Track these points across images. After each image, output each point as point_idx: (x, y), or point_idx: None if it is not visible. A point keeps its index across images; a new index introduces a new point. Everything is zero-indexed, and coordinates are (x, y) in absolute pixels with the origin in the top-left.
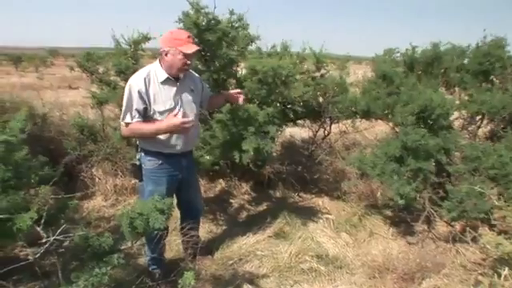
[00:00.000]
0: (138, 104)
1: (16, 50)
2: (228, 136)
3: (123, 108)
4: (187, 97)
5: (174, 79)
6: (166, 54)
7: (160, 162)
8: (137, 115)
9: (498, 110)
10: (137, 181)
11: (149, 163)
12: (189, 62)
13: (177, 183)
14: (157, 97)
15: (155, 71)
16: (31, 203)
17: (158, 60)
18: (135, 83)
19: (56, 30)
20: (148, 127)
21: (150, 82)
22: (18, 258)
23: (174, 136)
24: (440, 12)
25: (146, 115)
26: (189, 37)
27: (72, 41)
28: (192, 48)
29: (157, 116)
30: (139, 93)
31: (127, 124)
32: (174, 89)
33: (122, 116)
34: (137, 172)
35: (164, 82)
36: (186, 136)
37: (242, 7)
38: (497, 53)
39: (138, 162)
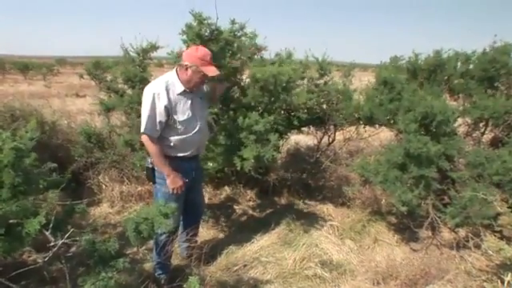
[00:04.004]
0: (161, 117)
1: (24, 59)
2: (231, 143)
3: (145, 118)
4: (199, 105)
5: (188, 91)
6: (187, 69)
7: (173, 165)
8: (159, 130)
9: (500, 115)
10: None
11: None
12: (205, 81)
13: (188, 184)
14: (177, 107)
15: (173, 82)
16: (40, 208)
17: (174, 70)
18: (160, 97)
19: (64, 39)
20: (159, 158)
21: (170, 94)
22: (25, 263)
23: (189, 142)
24: (449, 17)
25: (166, 124)
26: (211, 58)
27: (79, 50)
28: (214, 72)
29: (177, 125)
30: (165, 107)
31: (148, 136)
32: (190, 100)
33: (143, 126)
34: (149, 175)
35: (181, 94)
36: (199, 141)
37: (245, 17)
38: (502, 59)
39: (150, 165)
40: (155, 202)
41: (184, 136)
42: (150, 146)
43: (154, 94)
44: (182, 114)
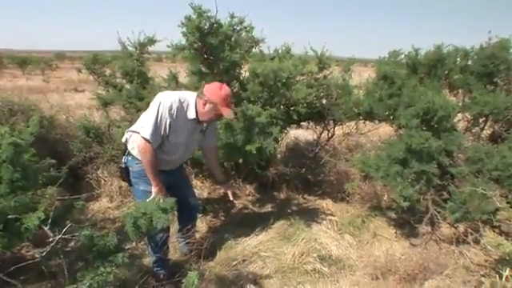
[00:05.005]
0: (164, 130)
1: (22, 53)
2: (231, 138)
3: (150, 124)
4: (195, 136)
5: (196, 120)
6: (206, 103)
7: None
8: (159, 140)
9: (500, 110)
10: None
11: (136, 166)
12: (219, 120)
13: (166, 183)
14: (176, 129)
15: (188, 105)
16: (38, 203)
17: (195, 95)
18: (171, 111)
19: (63, 33)
20: (153, 168)
21: (179, 113)
22: (24, 258)
23: (168, 162)
24: (448, 13)
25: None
26: (231, 100)
27: (79, 44)
28: (230, 114)
29: (166, 142)
30: (170, 124)
31: (150, 144)
32: (192, 128)
33: (149, 132)
34: (124, 175)
35: (188, 120)
36: (178, 162)
37: (244, 10)
38: (501, 54)
39: (123, 165)
40: (138, 201)
41: (165, 156)
42: (147, 153)
43: (167, 105)
44: (177, 136)
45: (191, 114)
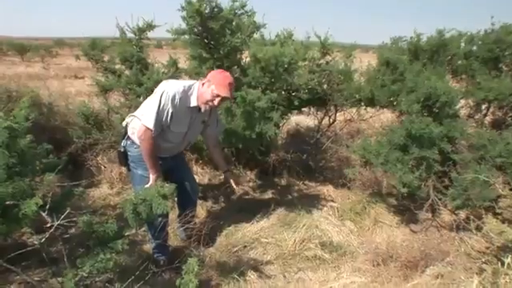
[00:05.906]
0: (166, 119)
1: (22, 40)
2: (231, 123)
3: (152, 113)
4: (197, 126)
5: (198, 109)
6: (203, 84)
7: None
8: (160, 129)
9: (505, 96)
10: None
11: (135, 151)
12: (215, 102)
13: (164, 169)
14: (178, 118)
15: (191, 94)
16: (37, 190)
17: (198, 83)
18: (174, 101)
19: (62, 20)
20: (152, 156)
21: (181, 102)
22: (25, 244)
23: (166, 149)
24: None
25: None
26: (230, 84)
27: (78, 31)
28: (225, 92)
29: (167, 130)
30: (171, 114)
31: (151, 132)
32: (194, 117)
33: (151, 121)
34: (121, 158)
35: (190, 108)
36: (176, 150)
37: None
38: (508, 39)
39: (122, 149)
40: (134, 185)
41: (164, 144)
42: (146, 141)
43: (170, 95)
44: (179, 125)
45: (192, 103)
